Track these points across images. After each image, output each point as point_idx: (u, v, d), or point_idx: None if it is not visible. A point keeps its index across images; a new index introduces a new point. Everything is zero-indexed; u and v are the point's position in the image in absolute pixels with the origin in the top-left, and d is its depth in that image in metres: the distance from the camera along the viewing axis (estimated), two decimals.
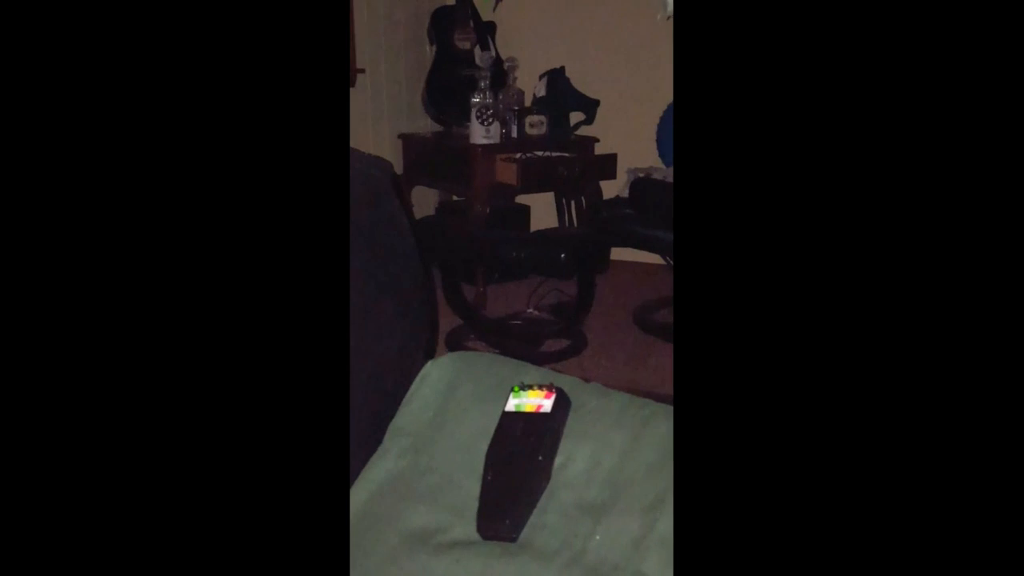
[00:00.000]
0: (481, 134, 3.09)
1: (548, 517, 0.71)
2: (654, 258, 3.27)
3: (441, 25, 3.41)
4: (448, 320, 2.73)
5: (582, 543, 0.69)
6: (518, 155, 3.06)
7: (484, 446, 0.75)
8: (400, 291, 0.96)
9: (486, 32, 3.45)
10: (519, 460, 0.74)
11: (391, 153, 3.44)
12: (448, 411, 0.82)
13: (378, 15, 3.36)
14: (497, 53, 3.42)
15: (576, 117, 3.44)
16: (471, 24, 3.42)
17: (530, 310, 2.98)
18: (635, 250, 3.07)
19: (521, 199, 3.54)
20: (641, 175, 3.12)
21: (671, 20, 3.19)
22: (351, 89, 3.22)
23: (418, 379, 0.86)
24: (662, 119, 3.39)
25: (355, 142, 0.95)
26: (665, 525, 0.67)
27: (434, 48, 3.43)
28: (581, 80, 3.42)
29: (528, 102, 3.42)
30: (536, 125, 3.29)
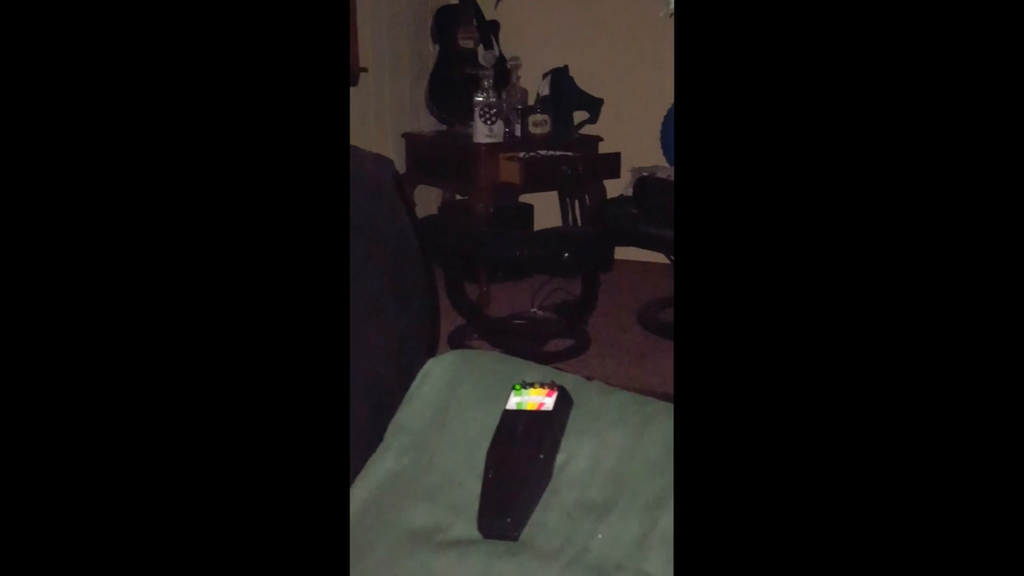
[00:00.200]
0: (484, 133, 3.09)
1: (550, 516, 0.71)
2: (658, 257, 3.27)
3: (445, 24, 3.41)
4: (451, 319, 2.73)
5: (584, 542, 0.68)
6: (521, 154, 3.06)
7: (485, 444, 0.75)
8: (401, 289, 0.96)
9: (489, 31, 3.45)
10: (520, 458, 0.73)
11: (394, 152, 3.44)
12: (449, 409, 0.82)
13: (382, 14, 3.36)
14: (500, 52, 3.42)
15: (580, 116, 3.44)
16: (474, 23, 3.42)
17: (534, 309, 2.98)
18: (639, 249, 3.07)
19: (524, 198, 3.54)
20: (645, 174, 3.11)
21: (672, 18, 3.19)
22: (355, 88, 3.22)
23: (419, 377, 0.86)
24: (666, 118, 3.38)
25: (358, 141, 0.95)
26: (667, 523, 0.66)
27: (437, 47, 3.43)
28: (585, 79, 3.42)
29: (531, 101, 3.42)
30: (539, 124, 3.29)
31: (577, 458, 0.74)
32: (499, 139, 3.12)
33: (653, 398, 0.79)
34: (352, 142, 0.90)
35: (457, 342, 2.66)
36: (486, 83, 3.12)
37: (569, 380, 0.81)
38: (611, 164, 3.20)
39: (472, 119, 3.11)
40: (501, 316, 2.97)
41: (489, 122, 3.08)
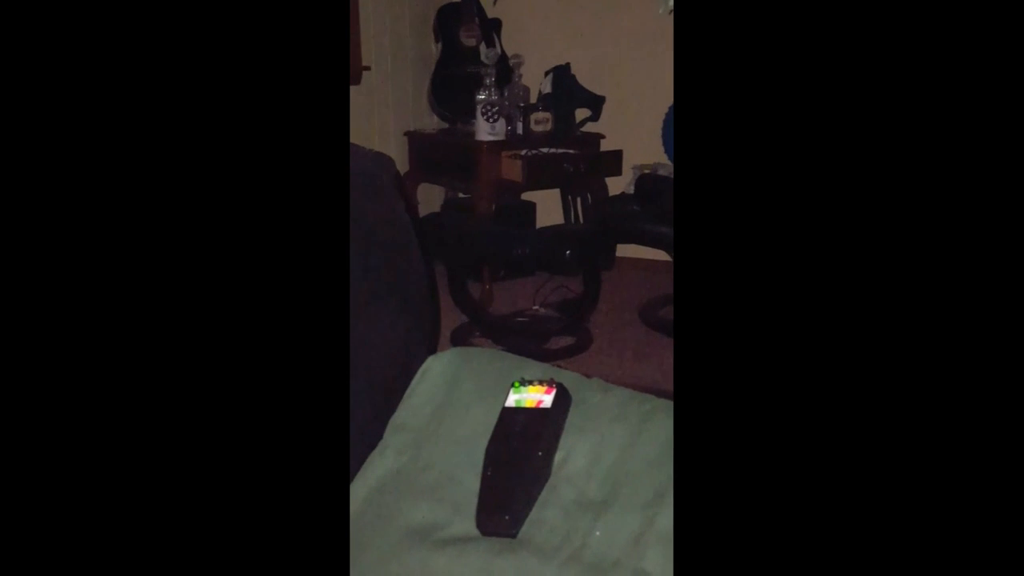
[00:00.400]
0: (487, 131, 3.09)
1: (548, 513, 0.71)
2: (660, 254, 3.26)
3: (447, 22, 3.41)
4: (454, 318, 2.73)
5: (582, 539, 0.68)
6: (524, 152, 3.06)
7: (484, 442, 0.75)
8: (401, 286, 0.96)
9: (492, 29, 3.45)
10: (519, 456, 0.73)
11: (397, 150, 3.44)
12: (449, 407, 0.82)
13: (384, 12, 3.36)
14: (503, 50, 3.42)
15: (582, 113, 3.44)
16: (477, 21, 3.42)
17: (536, 307, 2.98)
18: (641, 246, 3.06)
19: (527, 196, 3.54)
20: (647, 171, 3.12)
21: (672, 15, 3.18)
22: (357, 87, 3.22)
23: (419, 374, 0.86)
24: (667, 115, 3.38)
25: (361, 139, 0.95)
26: (665, 521, 0.67)
27: (440, 45, 3.43)
28: (587, 76, 3.42)
29: (534, 99, 3.42)
30: (542, 122, 3.28)
31: (576, 455, 0.75)
32: (501, 137, 3.12)
33: (652, 395, 0.79)
34: (354, 140, 0.90)
35: (460, 340, 2.67)
36: (488, 81, 3.11)
37: (568, 377, 0.81)
38: (613, 162, 3.19)
39: (474, 117, 3.11)
40: (503, 314, 2.97)
41: (491, 120, 3.08)
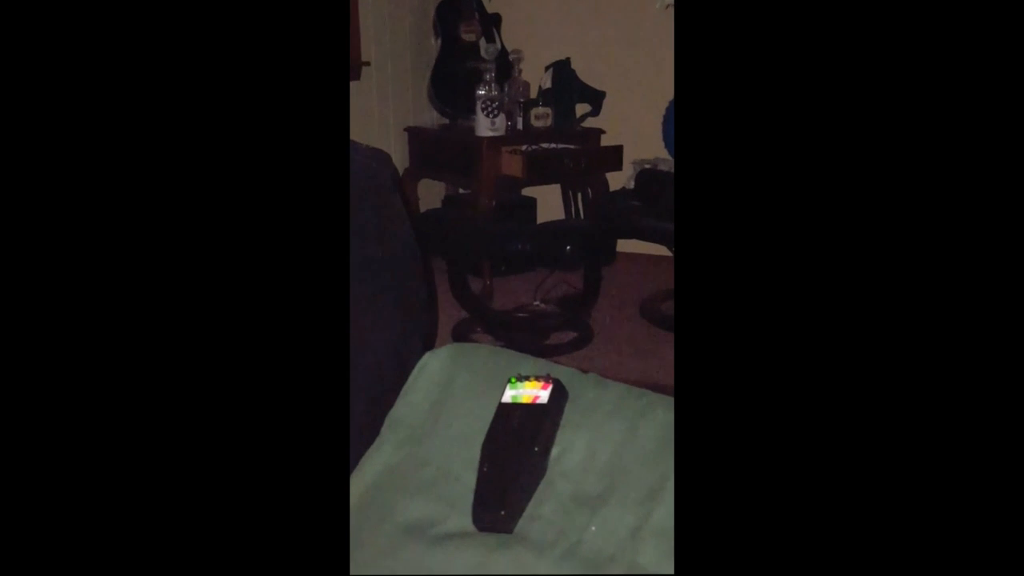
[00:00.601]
0: (487, 126, 3.08)
1: (544, 508, 0.71)
2: (660, 250, 3.26)
3: (446, 17, 3.40)
4: (455, 313, 2.73)
5: (578, 534, 0.68)
6: (524, 147, 3.06)
7: (481, 438, 0.75)
8: (398, 282, 0.96)
9: (491, 24, 3.44)
10: (515, 451, 0.73)
11: (397, 146, 3.44)
12: (445, 403, 0.82)
13: (383, 7, 3.36)
14: (503, 45, 3.41)
15: (582, 109, 3.43)
16: (476, 16, 3.42)
17: (537, 303, 2.98)
18: (642, 242, 3.06)
19: (527, 191, 3.54)
20: (647, 166, 3.11)
21: (670, 9, 3.18)
22: (357, 82, 3.22)
23: (415, 371, 0.86)
24: (668, 110, 3.37)
25: (361, 135, 0.95)
26: (661, 515, 0.67)
27: (439, 41, 3.42)
28: (587, 72, 3.41)
29: (534, 94, 3.41)
30: (542, 117, 3.28)
31: (572, 451, 0.75)
32: (501, 132, 3.12)
33: (648, 390, 0.79)
34: (354, 137, 0.90)
35: (461, 336, 2.67)
36: (488, 76, 3.11)
37: (564, 373, 0.81)
38: (613, 157, 3.19)
39: (474, 112, 3.11)
40: (504, 309, 2.97)
41: (491, 115, 3.07)
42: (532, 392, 0.77)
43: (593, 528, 0.68)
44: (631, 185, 3.11)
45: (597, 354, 2.61)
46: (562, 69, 3.40)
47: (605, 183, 3.29)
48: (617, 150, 3.19)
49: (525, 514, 0.71)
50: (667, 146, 3.39)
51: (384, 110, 3.44)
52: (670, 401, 0.76)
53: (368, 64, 3.29)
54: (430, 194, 3.65)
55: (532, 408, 0.76)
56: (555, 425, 0.76)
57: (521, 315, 2.93)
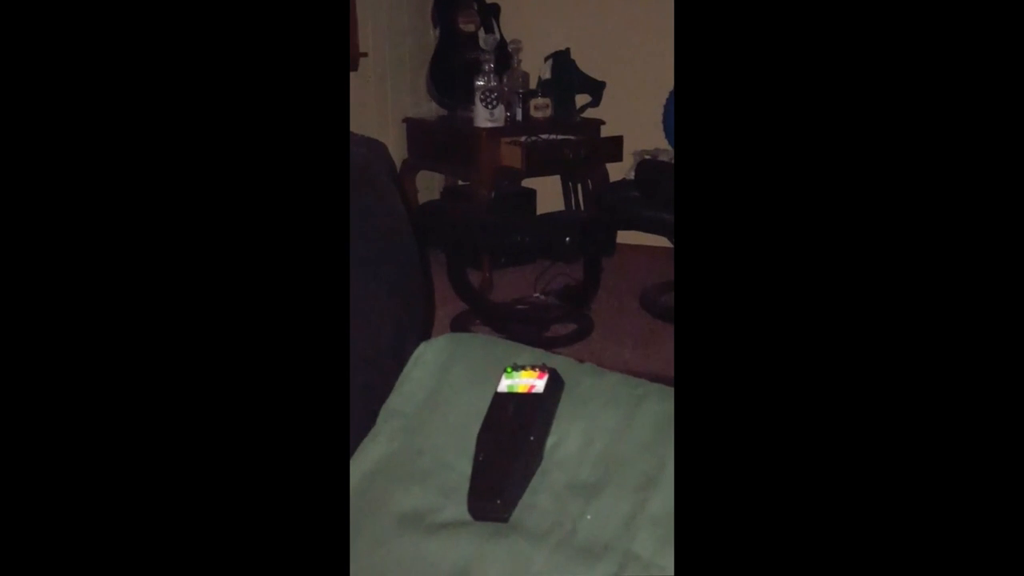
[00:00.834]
0: (486, 117, 3.08)
1: (540, 497, 0.71)
2: (661, 241, 3.26)
3: (445, 8, 3.39)
4: (455, 305, 2.73)
5: (573, 523, 0.68)
6: (523, 138, 3.05)
7: (477, 427, 0.75)
8: (394, 272, 0.96)
9: (490, 14, 3.43)
10: (511, 441, 0.73)
11: (395, 137, 3.43)
12: (441, 392, 0.82)
13: None
14: (501, 35, 3.40)
15: (582, 99, 3.43)
16: (475, 6, 3.41)
17: (536, 294, 2.98)
18: (642, 233, 3.06)
19: (527, 183, 3.53)
20: (647, 157, 3.10)
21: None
22: (355, 73, 3.21)
23: (411, 361, 0.86)
24: (668, 101, 3.36)
25: (359, 126, 0.95)
26: (656, 504, 0.66)
27: (438, 31, 3.41)
28: (587, 62, 3.40)
29: (533, 84, 3.40)
30: (541, 108, 3.27)
31: (568, 440, 0.74)
32: (500, 123, 3.11)
33: (645, 380, 0.79)
34: (352, 128, 0.89)
35: (460, 328, 2.67)
36: (487, 67, 3.10)
37: (560, 362, 0.81)
38: (613, 148, 3.18)
39: (473, 103, 3.10)
40: (504, 301, 2.97)
41: (490, 106, 3.07)
42: (528, 381, 0.77)
43: (589, 516, 0.68)
44: (631, 176, 3.11)
45: (597, 346, 2.61)
46: (561, 59, 3.39)
47: (605, 174, 3.28)
48: (617, 141, 3.18)
49: (521, 503, 0.71)
50: (667, 137, 3.38)
51: (382, 101, 3.43)
52: (666, 390, 0.76)
53: (366, 55, 3.28)
54: (429, 186, 3.65)
55: (528, 397, 0.76)
56: (551, 414, 0.76)
57: (521, 307, 2.93)
